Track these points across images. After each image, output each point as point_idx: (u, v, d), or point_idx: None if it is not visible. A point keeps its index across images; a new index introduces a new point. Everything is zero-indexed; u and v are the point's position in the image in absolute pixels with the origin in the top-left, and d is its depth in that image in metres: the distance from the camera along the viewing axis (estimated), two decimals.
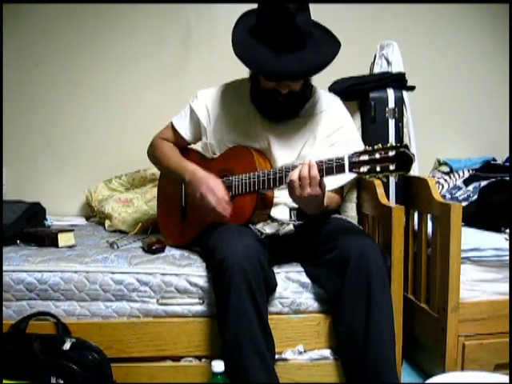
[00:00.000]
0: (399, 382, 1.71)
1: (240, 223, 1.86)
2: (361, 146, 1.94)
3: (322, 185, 1.66)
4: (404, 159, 1.49)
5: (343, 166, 1.58)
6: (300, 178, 1.64)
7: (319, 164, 1.63)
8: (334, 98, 2.08)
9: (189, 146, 2.16)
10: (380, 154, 1.52)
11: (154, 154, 2.13)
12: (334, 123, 1.99)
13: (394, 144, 1.53)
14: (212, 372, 1.52)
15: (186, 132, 2.08)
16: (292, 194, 1.69)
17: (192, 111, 2.05)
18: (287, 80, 1.81)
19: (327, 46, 1.82)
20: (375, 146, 1.55)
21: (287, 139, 1.96)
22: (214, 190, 1.82)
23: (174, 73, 3.01)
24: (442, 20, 3.08)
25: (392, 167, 1.50)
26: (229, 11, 2.90)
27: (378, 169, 1.52)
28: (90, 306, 1.84)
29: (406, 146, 1.50)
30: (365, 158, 1.55)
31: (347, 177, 1.92)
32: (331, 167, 1.61)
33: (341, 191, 2.02)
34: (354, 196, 2.22)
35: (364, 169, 1.54)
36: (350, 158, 1.57)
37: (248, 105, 1.98)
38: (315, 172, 1.62)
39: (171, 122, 2.11)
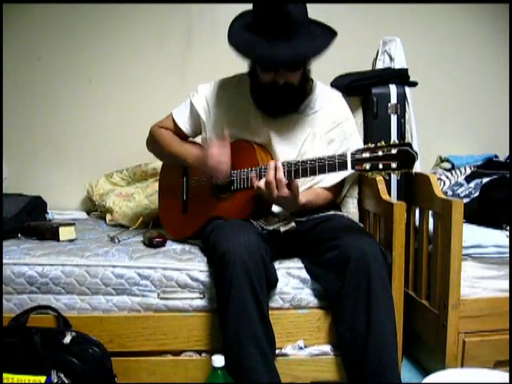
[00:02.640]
0: (401, 381, 1.70)
1: (241, 218, 1.86)
2: (360, 144, 1.95)
3: (291, 186, 1.69)
4: (407, 157, 1.48)
5: (345, 163, 1.58)
6: (267, 182, 1.68)
7: (319, 161, 1.64)
8: (335, 94, 2.08)
9: (189, 139, 2.15)
10: (383, 151, 1.51)
11: (153, 140, 2.11)
12: (333, 119, 1.99)
13: (396, 141, 1.52)
14: (212, 366, 1.51)
15: (185, 125, 2.08)
16: (264, 196, 1.74)
17: (192, 106, 2.05)
18: (279, 66, 1.79)
19: (323, 35, 1.82)
20: (378, 144, 1.54)
21: (288, 135, 1.96)
22: (218, 155, 1.83)
23: (176, 68, 3.01)
24: (445, 17, 3.08)
25: (394, 165, 1.49)
26: (231, 8, 2.89)
27: (381, 166, 1.51)
28: (90, 299, 1.84)
29: (410, 144, 1.49)
30: (367, 155, 1.54)
31: (339, 175, 1.92)
32: (333, 164, 1.61)
33: (334, 188, 2.01)
34: (355, 192, 2.22)
35: (366, 166, 1.54)
36: (352, 155, 1.57)
37: (248, 99, 1.98)
38: (280, 175, 1.67)
39: (171, 114, 2.11)
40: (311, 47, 1.77)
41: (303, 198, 1.80)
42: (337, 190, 2.04)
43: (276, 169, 1.68)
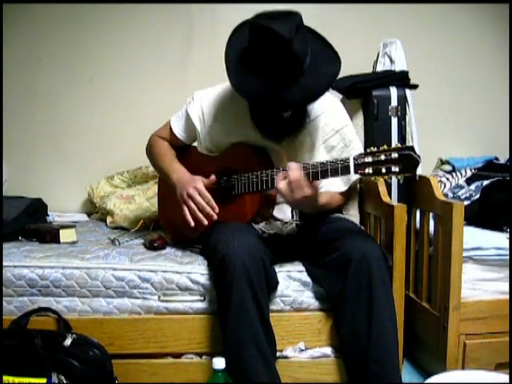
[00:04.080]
0: (402, 382, 1.70)
1: (242, 222, 1.86)
2: (360, 149, 1.94)
3: (313, 185, 1.66)
4: (410, 161, 1.47)
5: (348, 167, 1.58)
6: (288, 183, 1.65)
7: (322, 165, 1.64)
8: (332, 100, 2.03)
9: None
10: (385, 155, 1.51)
11: (149, 152, 2.14)
12: (332, 126, 1.96)
13: (399, 145, 1.51)
14: (213, 369, 1.51)
15: (180, 133, 2.07)
16: (284, 199, 1.71)
17: (187, 115, 2.03)
18: (288, 109, 1.79)
19: (327, 64, 1.76)
20: (380, 147, 1.53)
21: (285, 147, 1.94)
22: (197, 193, 1.82)
23: (177, 70, 3.01)
24: (445, 19, 3.07)
25: (397, 169, 1.48)
26: (231, 9, 2.91)
27: (383, 170, 1.51)
28: (91, 302, 1.84)
29: (412, 148, 1.49)
30: (370, 159, 1.53)
31: (349, 180, 1.92)
32: (336, 168, 1.60)
33: (346, 193, 2.01)
34: (355, 194, 2.21)
35: (369, 170, 1.53)
36: (355, 159, 1.56)
37: (245, 108, 1.93)
38: (299, 174, 1.63)
39: (169, 121, 2.10)
40: (319, 85, 1.73)
41: (320, 199, 1.79)
42: (347, 193, 2.03)
43: (295, 169, 1.64)
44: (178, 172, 1.95)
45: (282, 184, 1.66)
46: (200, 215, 1.81)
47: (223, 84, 2.00)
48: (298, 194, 1.65)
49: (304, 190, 1.64)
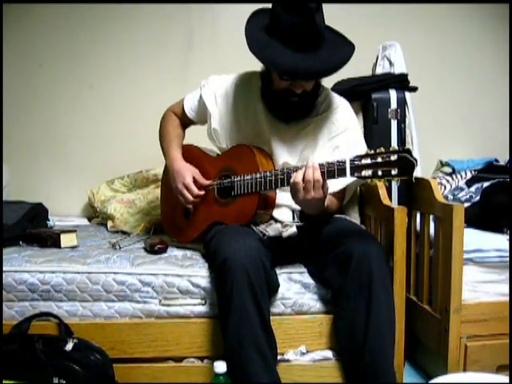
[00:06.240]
0: (396, 380, 1.70)
1: (242, 224, 1.86)
2: (364, 150, 1.93)
3: (324, 187, 1.64)
4: (406, 164, 1.46)
5: (344, 169, 1.57)
6: (304, 181, 1.62)
7: (321, 166, 1.62)
8: (341, 100, 2.03)
9: (191, 144, 2.16)
10: (382, 157, 1.50)
11: (160, 125, 2.20)
12: (338, 125, 1.96)
13: (396, 148, 1.49)
14: (214, 373, 1.52)
15: (190, 111, 2.13)
16: (295, 196, 1.68)
17: (200, 97, 2.08)
18: (306, 79, 1.79)
19: (342, 46, 1.81)
20: (377, 150, 1.52)
21: (289, 137, 1.95)
22: (185, 188, 1.97)
23: (177, 73, 3.02)
24: (444, 21, 3.08)
25: (394, 172, 1.47)
26: (231, 11, 2.92)
27: (380, 173, 1.49)
28: (92, 306, 1.84)
29: (409, 151, 1.48)
30: (367, 161, 1.52)
31: (347, 180, 1.91)
32: (332, 170, 1.60)
33: (340, 195, 1.99)
34: (356, 197, 2.21)
35: (366, 173, 1.52)
36: (351, 161, 1.55)
37: (256, 99, 1.97)
38: (318, 175, 1.61)
39: (183, 98, 2.17)
40: (335, 60, 1.76)
41: (325, 202, 1.77)
42: (341, 196, 2.01)
43: (313, 169, 1.61)
44: (171, 158, 2.06)
45: (297, 179, 1.64)
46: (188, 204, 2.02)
47: (237, 74, 2.08)
48: (310, 195, 1.63)
49: (318, 191, 1.62)
